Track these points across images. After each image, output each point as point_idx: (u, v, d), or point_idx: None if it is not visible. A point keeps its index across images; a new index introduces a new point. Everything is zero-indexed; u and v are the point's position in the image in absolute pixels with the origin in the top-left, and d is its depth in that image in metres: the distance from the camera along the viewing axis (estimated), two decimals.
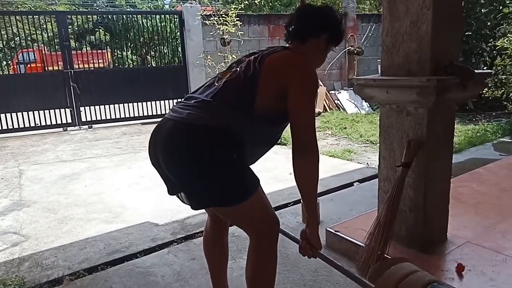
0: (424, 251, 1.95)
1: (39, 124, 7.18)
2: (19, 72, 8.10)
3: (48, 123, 7.22)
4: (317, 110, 7.49)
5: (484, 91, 5.98)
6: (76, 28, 10.03)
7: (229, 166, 1.28)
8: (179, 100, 1.46)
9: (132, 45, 9.55)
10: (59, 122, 7.30)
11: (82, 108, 7.44)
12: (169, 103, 7.68)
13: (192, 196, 1.34)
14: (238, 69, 1.37)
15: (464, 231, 2.17)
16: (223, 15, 6.89)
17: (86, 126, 7.50)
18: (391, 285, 1.14)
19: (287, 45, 1.50)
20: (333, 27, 1.46)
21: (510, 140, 5.07)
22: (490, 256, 1.93)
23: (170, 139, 1.31)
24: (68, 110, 7.35)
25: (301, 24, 1.46)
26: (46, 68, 8.06)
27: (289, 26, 1.49)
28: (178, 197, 1.47)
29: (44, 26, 7.80)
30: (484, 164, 3.70)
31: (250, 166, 1.41)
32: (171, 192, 1.45)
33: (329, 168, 4.00)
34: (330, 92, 8.26)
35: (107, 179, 4.08)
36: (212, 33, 7.35)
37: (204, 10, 7.78)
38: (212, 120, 1.27)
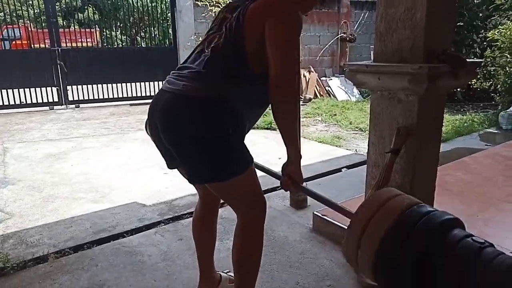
0: None
1: (24, 102, 7.03)
2: (3, 49, 7.88)
3: (34, 101, 7.08)
4: (308, 96, 7.49)
5: (472, 83, 6.04)
6: (64, 6, 9.75)
7: (225, 140, 1.28)
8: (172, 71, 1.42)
9: (121, 24, 9.35)
10: (45, 100, 7.16)
11: (69, 87, 7.31)
12: (158, 84, 7.59)
13: (189, 169, 1.35)
14: (224, 30, 1.32)
15: None
16: None
17: (73, 106, 7.38)
18: (371, 212, 1.11)
19: None
20: None
21: (496, 131, 5.16)
22: None
23: (168, 111, 1.30)
24: (54, 89, 7.20)
25: None
26: (32, 45, 7.86)
27: None
28: (179, 170, 1.49)
29: (30, 2, 7.55)
30: (470, 153, 3.76)
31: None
32: (170, 165, 1.47)
33: (318, 154, 4.02)
34: (321, 78, 8.24)
35: (94, 159, 4.03)
36: (204, 14, 7.22)
37: None
38: (207, 92, 1.26)
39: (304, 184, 1.46)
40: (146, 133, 1.44)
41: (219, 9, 1.49)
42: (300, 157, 1.39)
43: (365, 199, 1.18)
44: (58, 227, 2.50)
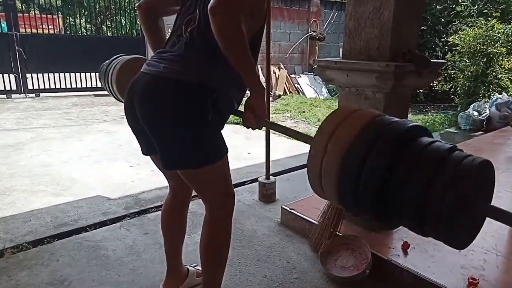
0: (373, 230, 2.04)
1: None
2: None
3: None
4: (277, 92, 7.54)
5: (434, 84, 6.30)
6: None
7: (203, 126, 1.26)
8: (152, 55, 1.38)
9: (86, 12, 8.99)
10: (2, 88, 6.77)
11: (28, 75, 6.94)
12: None
13: (165, 153, 1.32)
14: (197, 11, 1.30)
15: None
16: None
17: (33, 94, 7.04)
18: (339, 119, 1.01)
19: None
20: None
21: (455, 131, 5.42)
22: None
23: (147, 93, 1.27)
24: (12, 76, 6.82)
25: None
26: None
27: None
28: (152, 159, 1.47)
29: None
30: None
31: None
32: (146, 151, 1.45)
33: (286, 149, 4.05)
34: (291, 75, 8.32)
35: (55, 150, 3.86)
36: None
37: None
38: (188, 75, 1.24)
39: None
40: (125, 117, 1.39)
41: None
42: (263, 88, 1.30)
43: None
44: (15, 221, 2.38)
